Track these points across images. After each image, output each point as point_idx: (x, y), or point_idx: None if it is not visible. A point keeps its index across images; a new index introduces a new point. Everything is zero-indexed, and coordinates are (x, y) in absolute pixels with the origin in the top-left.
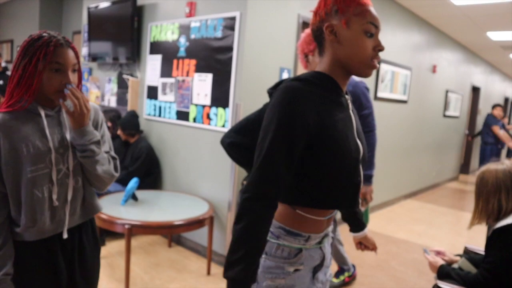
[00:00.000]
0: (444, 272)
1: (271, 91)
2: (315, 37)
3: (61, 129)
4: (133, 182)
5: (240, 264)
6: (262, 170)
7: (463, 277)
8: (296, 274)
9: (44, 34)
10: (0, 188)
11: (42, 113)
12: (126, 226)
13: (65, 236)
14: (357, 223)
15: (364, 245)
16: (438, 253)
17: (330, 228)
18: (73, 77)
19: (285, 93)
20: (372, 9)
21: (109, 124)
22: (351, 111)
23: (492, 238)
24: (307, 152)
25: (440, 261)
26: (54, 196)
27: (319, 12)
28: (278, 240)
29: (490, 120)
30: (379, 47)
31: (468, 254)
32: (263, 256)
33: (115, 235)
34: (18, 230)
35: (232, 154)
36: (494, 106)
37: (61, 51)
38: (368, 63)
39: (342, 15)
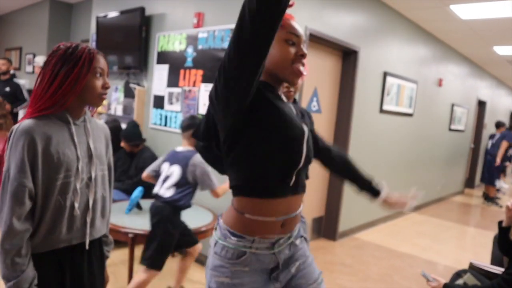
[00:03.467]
0: None
1: None
2: None
3: (85, 138)
4: (138, 191)
5: None
6: None
7: None
8: (242, 273)
9: (77, 44)
10: (33, 195)
11: (71, 121)
12: (130, 235)
13: (87, 246)
14: (370, 188)
15: (395, 203)
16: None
17: (293, 233)
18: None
19: None
20: (292, 22)
21: None
22: (290, 104)
23: None
24: (248, 131)
25: (442, 281)
26: (77, 205)
27: None
28: (225, 242)
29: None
30: (300, 52)
31: (473, 269)
32: (212, 254)
33: (119, 244)
34: (32, 242)
35: (206, 155)
36: None
37: (100, 58)
38: (289, 67)
39: None
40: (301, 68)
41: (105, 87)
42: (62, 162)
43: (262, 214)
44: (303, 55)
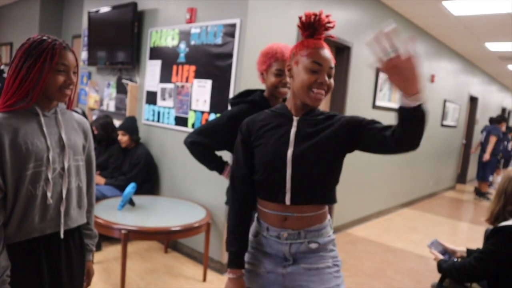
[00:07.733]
0: (442, 266)
1: (233, 101)
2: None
3: (57, 129)
4: (130, 187)
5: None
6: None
7: (451, 265)
8: (255, 250)
9: (45, 38)
10: (2, 187)
11: (40, 113)
12: (123, 231)
13: (62, 235)
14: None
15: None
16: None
17: (300, 232)
18: (74, 78)
19: None
20: (320, 50)
21: (95, 131)
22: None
23: (490, 235)
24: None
25: (439, 257)
26: (49, 194)
27: (289, 56)
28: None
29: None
30: (318, 80)
31: None
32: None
33: (112, 240)
34: (5, 232)
35: (193, 151)
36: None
37: (65, 54)
38: (307, 93)
39: (295, 57)
40: (316, 93)
41: (67, 83)
42: (31, 152)
43: (264, 206)
44: (322, 82)
